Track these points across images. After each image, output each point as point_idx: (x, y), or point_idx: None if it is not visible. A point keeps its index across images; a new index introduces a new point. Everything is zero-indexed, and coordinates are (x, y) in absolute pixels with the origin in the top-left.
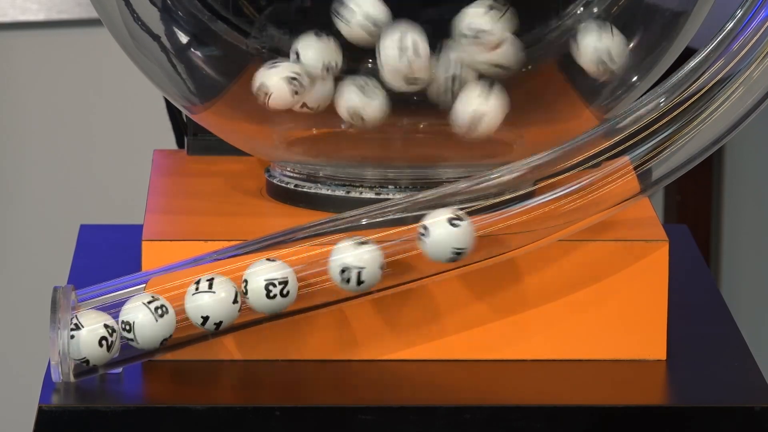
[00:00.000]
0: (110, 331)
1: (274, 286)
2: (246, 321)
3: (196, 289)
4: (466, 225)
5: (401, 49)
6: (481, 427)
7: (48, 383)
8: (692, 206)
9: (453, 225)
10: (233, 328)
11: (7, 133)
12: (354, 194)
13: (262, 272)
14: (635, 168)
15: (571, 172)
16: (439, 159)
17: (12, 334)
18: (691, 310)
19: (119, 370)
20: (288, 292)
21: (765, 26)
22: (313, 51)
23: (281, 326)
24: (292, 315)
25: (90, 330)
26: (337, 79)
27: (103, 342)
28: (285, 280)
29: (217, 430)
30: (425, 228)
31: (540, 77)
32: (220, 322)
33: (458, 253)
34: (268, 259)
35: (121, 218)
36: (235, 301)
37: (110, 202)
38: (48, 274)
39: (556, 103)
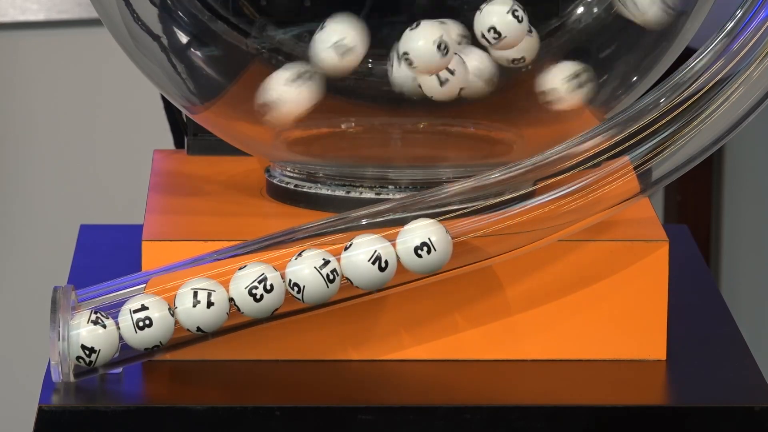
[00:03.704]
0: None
1: (256, 288)
2: (245, 322)
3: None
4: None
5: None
6: (481, 427)
7: (48, 383)
8: (692, 206)
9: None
10: (233, 329)
11: (6, 133)
12: (354, 194)
13: (241, 281)
14: (635, 168)
15: (571, 172)
16: (439, 159)
17: (12, 334)
18: (691, 310)
19: (119, 370)
20: (272, 286)
21: (765, 26)
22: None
23: (281, 326)
24: (289, 316)
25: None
26: None
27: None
28: (262, 277)
29: (217, 430)
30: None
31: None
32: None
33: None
34: (240, 269)
35: (121, 218)
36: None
37: (110, 202)
38: (48, 274)
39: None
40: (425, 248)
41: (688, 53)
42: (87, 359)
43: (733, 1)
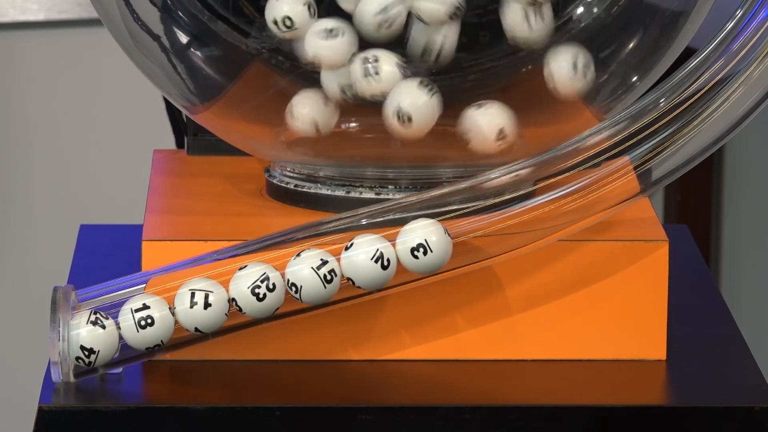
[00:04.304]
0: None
1: (259, 287)
2: (245, 322)
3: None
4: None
5: None
6: (481, 427)
7: (48, 383)
8: (692, 206)
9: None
10: (233, 329)
11: (6, 133)
12: (354, 194)
13: (242, 281)
14: (635, 168)
15: (571, 172)
16: (439, 159)
17: (12, 334)
18: (691, 310)
19: (119, 370)
20: (274, 285)
21: (765, 26)
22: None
23: (281, 326)
24: (289, 316)
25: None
26: None
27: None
28: (264, 276)
29: (217, 430)
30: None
31: (540, 77)
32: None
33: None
34: (240, 269)
35: (121, 218)
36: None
37: (110, 202)
38: (48, 274)
39: (556, 103)
40: (423, 249)
41: (688, 53)
42: (86, 360)
43: (733, 1)
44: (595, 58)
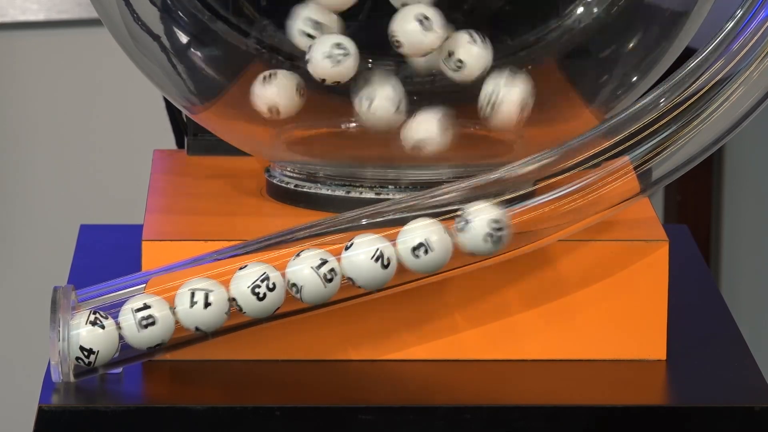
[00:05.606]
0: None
1: (259, 287)
2: (245, 322)
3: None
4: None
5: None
6: (481, 427)
7: (48, 383)
8: (692, 206)
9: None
10: (233, 329)
11: (6, 133)
12: (354, 194)
13: (242, 280)
14: (635, 168)
15: (571, 172)
16: (439, 159)
17: (12, 334)
18: (691, 310)
19: (119, 370)
20: (274, 285)
21: (765, 26)
22: None
23: (281, 326)
24: (290, 316)
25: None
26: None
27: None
28: (265, 276)
29: (217, 430)
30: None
31: (540, 77)
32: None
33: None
34: (240, 268)
35: (121, 218)
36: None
37: (110, 202)
38: (48, 274)
39: (556, 103)
40: (423, 248)
41: (688, 53)
42: (86, 360)
43: (733, 1)
44: (595, 58)
